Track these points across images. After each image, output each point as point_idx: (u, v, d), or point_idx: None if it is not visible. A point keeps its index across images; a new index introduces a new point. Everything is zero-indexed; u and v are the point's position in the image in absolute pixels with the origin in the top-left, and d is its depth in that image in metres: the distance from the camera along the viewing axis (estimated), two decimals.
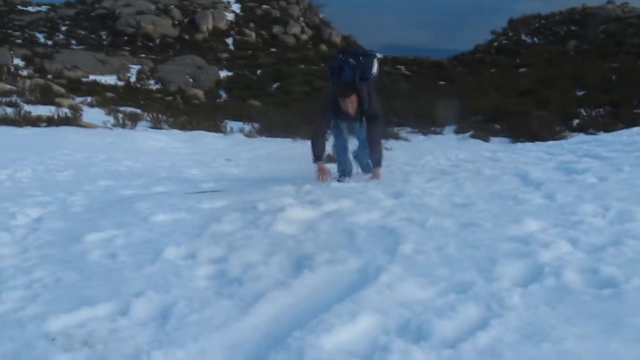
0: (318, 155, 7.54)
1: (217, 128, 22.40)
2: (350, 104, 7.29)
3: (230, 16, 79.33)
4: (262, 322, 2.95)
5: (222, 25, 77.02)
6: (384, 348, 2.51)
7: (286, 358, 2.50)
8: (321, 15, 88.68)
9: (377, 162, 7.53)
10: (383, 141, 7.97)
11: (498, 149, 13.42)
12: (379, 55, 7.83)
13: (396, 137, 19.21)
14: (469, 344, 2.48)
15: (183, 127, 21.76)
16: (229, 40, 75.13)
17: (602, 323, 2.58)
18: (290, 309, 3.10)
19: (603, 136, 11.52)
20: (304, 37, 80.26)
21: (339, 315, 2.85)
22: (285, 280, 3.47)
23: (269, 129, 21.27)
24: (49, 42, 63.94)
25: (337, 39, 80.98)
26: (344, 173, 8.15)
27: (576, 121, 22.12)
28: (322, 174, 7.37)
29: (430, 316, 2.77)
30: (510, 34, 77.34)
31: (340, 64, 7.66)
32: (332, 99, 7.50)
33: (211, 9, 76.51)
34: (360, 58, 7.60)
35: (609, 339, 2.44)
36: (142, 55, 61.28)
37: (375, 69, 7.72)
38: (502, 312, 2.75)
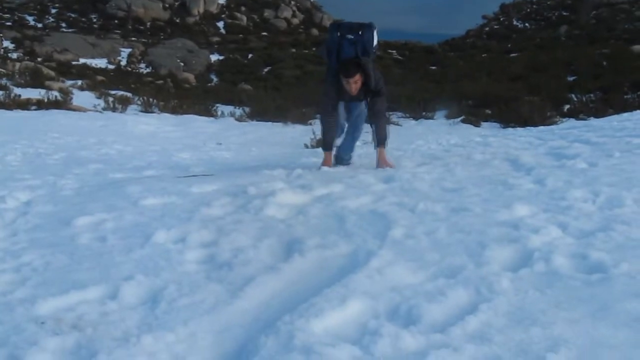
0: (330, 142, 7.14)
1: (208, 112, 22.38)
2: (354, 84, 6.68)
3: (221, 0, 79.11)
4: (252, 306, 2.95)
5: (213, 9, 76.96)
6: (374, 332, 2.52)
7: (276, 342, 2.50)
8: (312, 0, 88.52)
9: (382, 140, 7.02)
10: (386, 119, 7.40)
11: (489, 133, 13.42)
12: (375, 28, 7.08)
13: (387, 121, 19.21)
14: (458, 328, 2.49)
15: (174, 111, 21.73)
16: (220, 24, 75.14)
17: (591, 308, 2.59)
18: (280, 293, 3.11)
19: (593, 122, 11.56)
20: (295, 21, 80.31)
21: (329, 299, 2.85)
22: (275, 265, 3.47)
23: (260, 113, 21.25)
24: (39, 25, 63.79)
25: (328, 23, 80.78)
26: (337, 159, 7.55)
27: (567, 106, 22.12)
28: (326, 165, 6.97)
29: (420, 300, 2.78)
30: (501, 19, 77.45)
31: (338, 40, 6.91)
32: (334, 80, 6.87)
33: None
34: (360, 32, 6.87)
35: (598, 323, 2.45)
36: (133, 39, 61.23)
37: (375, 41, 7.04)
38: (492, 297, 2.76)
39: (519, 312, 2.60)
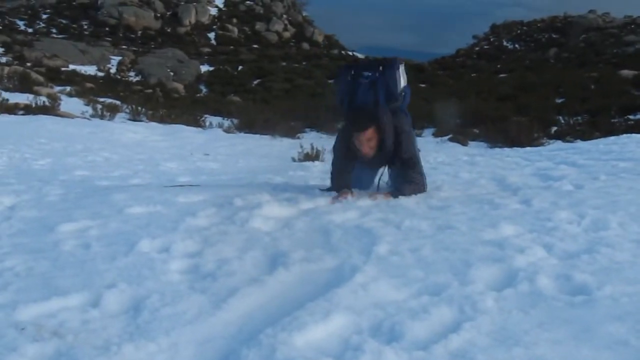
0: (342, 185, 5.60)
1: (196, 122, 22.37)
2: (367, 143, 5.29)
3: (213, 11, 79.42)
4: (234, 318, 2.94)
5: (205, 20, 77.08)
6: (357, 348, 2.51)
7: (258, 355, 2.49)
8: (304, 14, 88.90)
9: (396, 194, 5.46)
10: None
11: (476, 153, 13.47)
12: (401, 63, 5.56)
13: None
14: (441, 346, 2.49)
15: (162, 120, 21.72)
16: (211, 35, 75.18)
17: (574, 329, 2.59)
18: (263, 305, 3.09)
19: (580, 144, 11.63)
20: (287, 34, 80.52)
21: (312, 313, 2.84)
22: (259, 277, 3.46)
23: (248, 125, 21.25)
24: (29, 30, 63.61)
25: (319, 38, 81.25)
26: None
27: (554, 128, 22.29)
28: (342, 195, 5.44)
29: (404, 317, 2.77)
30: (492, 39, 77.92)
31: (351, 84, 5.46)
32: (346, 134, 5.54)
33: (194, 3, 76.47)
34: (379, 67, 5.39)
35: (580, 345, 2.45)
36: (123, 47, 61.20)
37: (403, 81, 5.50)
38: (475, 316, 2.76)
39: (502, 332, 2.60)
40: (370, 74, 5.37)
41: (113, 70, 51.07)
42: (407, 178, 5.53)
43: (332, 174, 5.80)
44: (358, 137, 5.25)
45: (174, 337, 2.71)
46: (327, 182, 6.49)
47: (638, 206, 4.76)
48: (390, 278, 3.30)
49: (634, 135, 11.18)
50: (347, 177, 5.65)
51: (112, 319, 2.91)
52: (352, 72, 5.48)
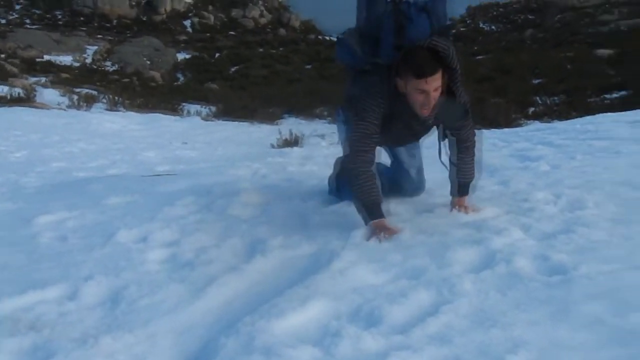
0: (374, 205, 3.81)
1: (174, 110, 22.25)
2: (434, 93, 3.62)
3: None
4: (213, 307, 2.94)
5: (181, 7, 76.58)
6: (335, 334, 2.51)
7: (236, 343, 2.49)
8: (280, 0, 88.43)
9: (465, 189, 4.33)
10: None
11: None
12: None
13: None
14: (419, 330, 2.49)
15: (139, 109, 21.58)
16: (187, 23, 74.68)
17: (551, 309, 2.60)
18: (242, 293, 3.09)
19: (557, 124, 11.65)
20: (263, 20, 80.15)
21: (290, 300, 2.84)
22: (237, 265, 3.45)
23: (227, 113, 21.17)
24: (3, 21, 62.96)
25: (296, 24, 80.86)
26: None
27: (532, 109, 22.35)
28: (384, 232, 3.73)
29: (382, 302, 2.77)
30: (468, 22, 77.87)
31: (394, 12, 3.68)
32: (380, 89, 3.78)
33: None
34: None
35: (557, 325, 2.46)
36: (99, 36, 60.66)
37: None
38: (453, 298, 2.76)
39: (480, 314, 2.61)
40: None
41: (89, 60, 50.68)
42: (463, 136, 4.40)
43: (353, 173, 3.86)
44: (424, 86, 3.56)
45: (153, 327, 2.70)
46: (305, 168, 6.45)
47: (614, 185, 4.77)
48: (368, 263, 3.30)
49: (609, 114, 11.23)
50: (375, 180, 3.86)
51: (90, 311, 2.90)
52: None
